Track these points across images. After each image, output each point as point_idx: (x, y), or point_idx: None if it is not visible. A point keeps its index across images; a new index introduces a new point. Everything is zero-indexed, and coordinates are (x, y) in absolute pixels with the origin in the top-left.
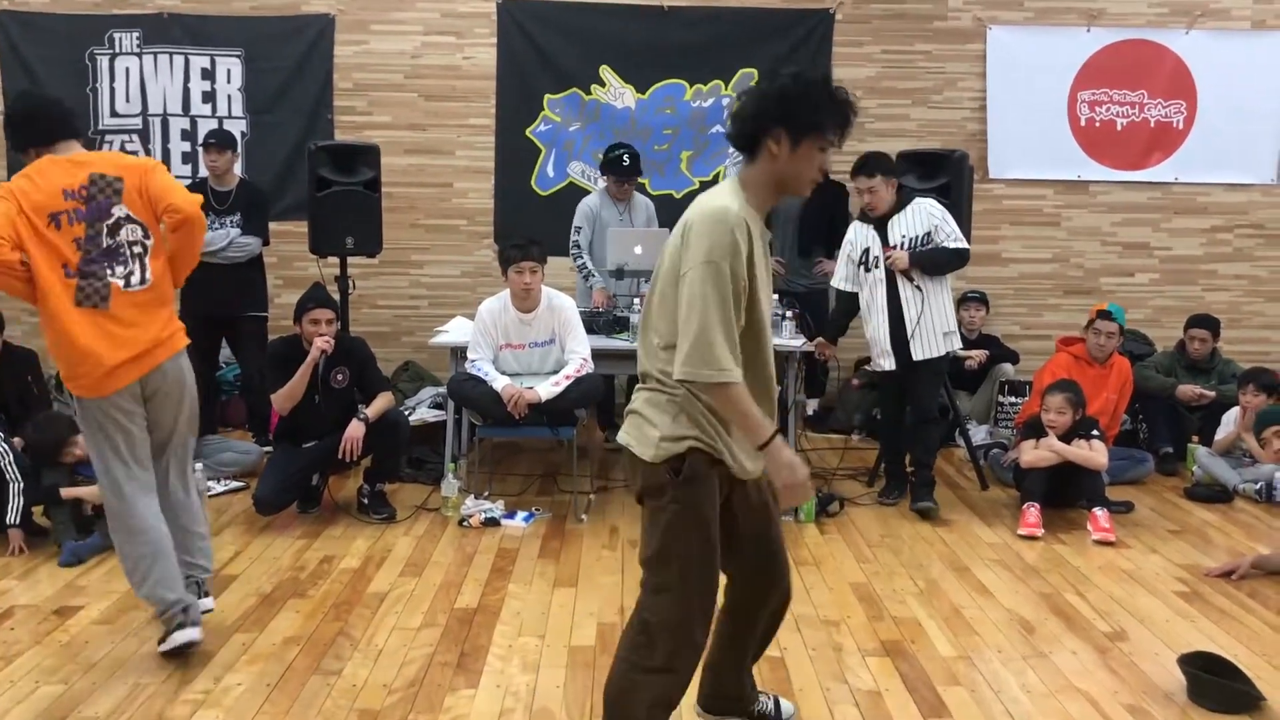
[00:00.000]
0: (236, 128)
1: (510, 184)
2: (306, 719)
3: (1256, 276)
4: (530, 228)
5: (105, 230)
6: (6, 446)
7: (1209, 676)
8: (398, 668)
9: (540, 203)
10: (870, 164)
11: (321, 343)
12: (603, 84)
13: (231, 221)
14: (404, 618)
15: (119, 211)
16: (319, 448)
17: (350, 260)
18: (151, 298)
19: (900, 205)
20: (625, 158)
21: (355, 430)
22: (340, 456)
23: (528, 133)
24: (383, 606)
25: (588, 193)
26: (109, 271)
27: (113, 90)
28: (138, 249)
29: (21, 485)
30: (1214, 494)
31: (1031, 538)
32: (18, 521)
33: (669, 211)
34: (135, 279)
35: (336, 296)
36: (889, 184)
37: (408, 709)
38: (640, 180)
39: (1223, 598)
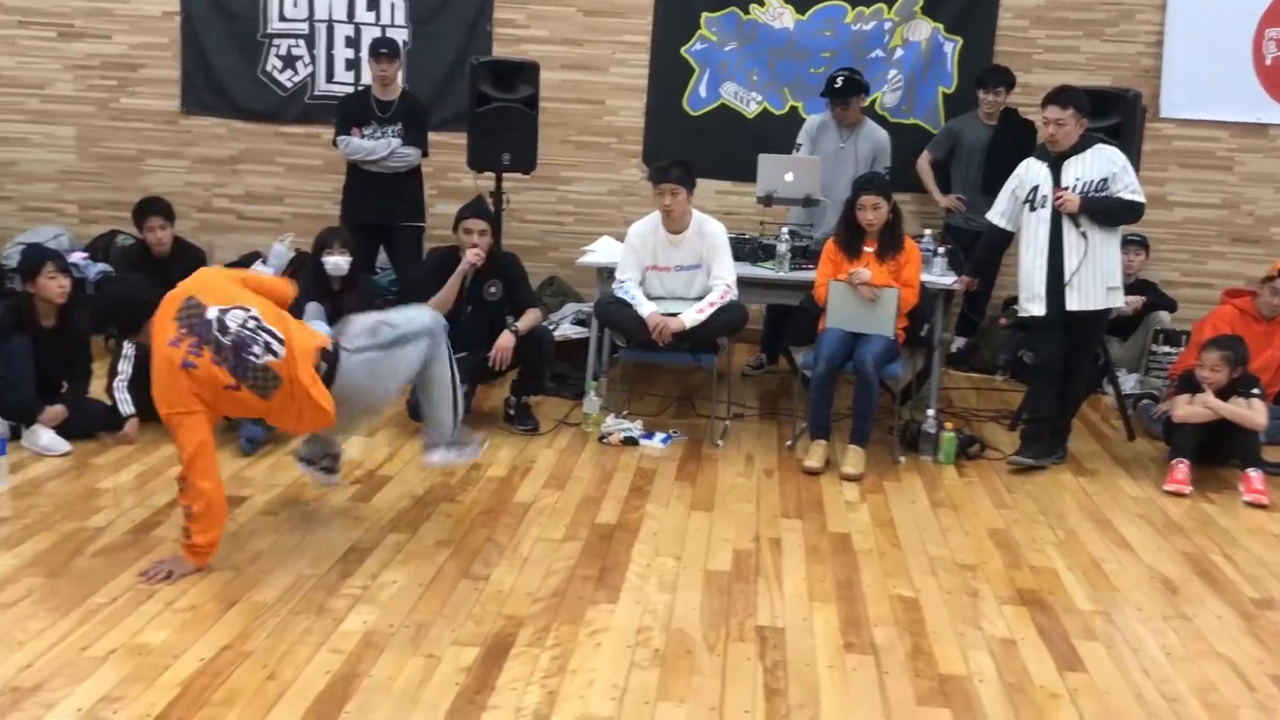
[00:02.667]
0: (399, 36)
1: (661, 103)
2: (456, 620)
3: None
4: (679, 148)
5: (218, 330)
6: None
7: None
8: (542, 577)
9: (690, 123)
10: (1064, 95)
11: (472, 255)
12: (761, 3)
13: (393, 131)
14: (547, 529)
15: (212, 313)
16: (469, 359)
17: (504, 175)
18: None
19: (1079, 148)
20: (838, 79)
21: (506, 340)
22: (490, 366)
23: (683, 51)
24: (527, 517)
25: (740, 115)
26: (252, 358)
27: None
28: (250, 324)
29: None
30: None
31: (1178, 494)
32: None
33: None
34: (271, 348)
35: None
36: (1079, 121)
37: (551, 618)
38: (863, 102)
39: None
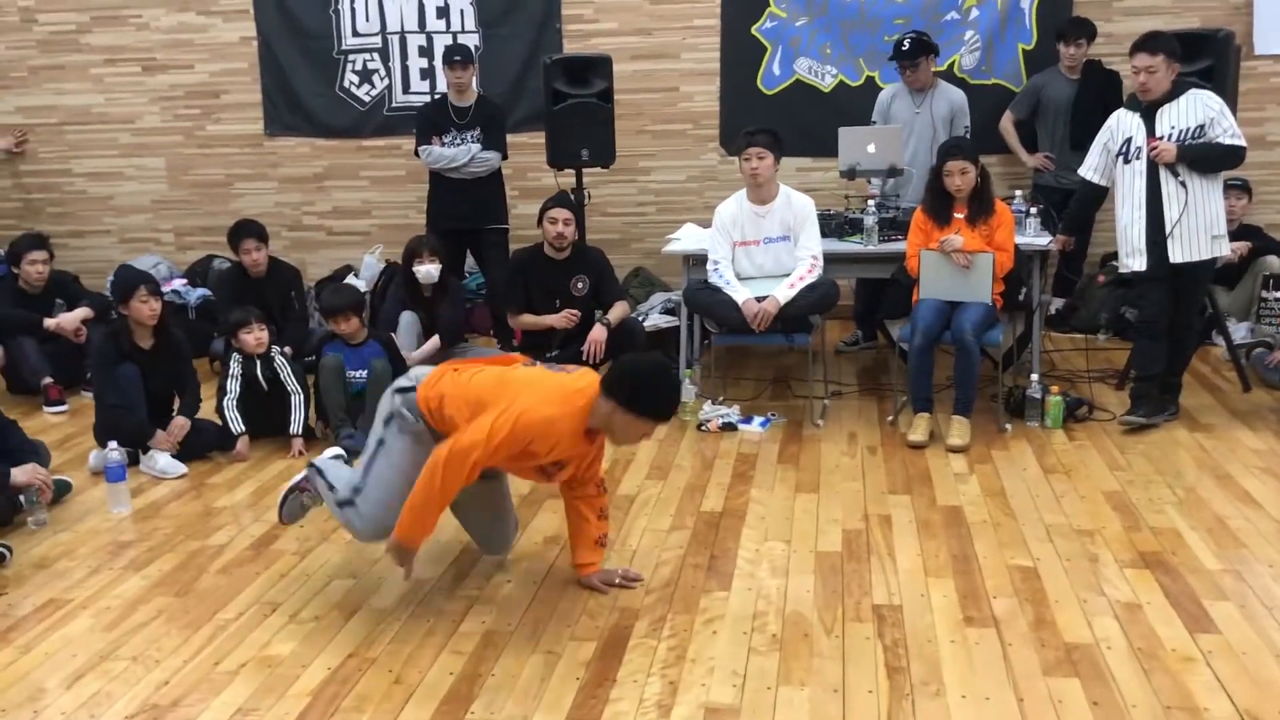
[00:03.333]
0: (470, 41)
1: (736, 84)
2: (573, 616)
3: None
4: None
5: None
6: (284, 359)
7: None
8: (653, 568)
9: (766, 102)
10: (1154, 41)
11: (567, 319)
12: None
13: (472, 137)
14: (654, 519)
15: None
16: (564, 354)
17: (584, 170)
18: None
19: (1172, 95)
20: (905, 41)
21: (599, 333)
22: (584, 360)
23: (753, 30)
24: (632, 508)
25: (815, 90)
26: None
27: (354, 10)
28: None
29: (302, 397)
30: None
31: None
32: (299, 431)
33: None
34: None
35: None
36: (1170, 67)
37: (666, 608)
38: (933, 63)
39: None
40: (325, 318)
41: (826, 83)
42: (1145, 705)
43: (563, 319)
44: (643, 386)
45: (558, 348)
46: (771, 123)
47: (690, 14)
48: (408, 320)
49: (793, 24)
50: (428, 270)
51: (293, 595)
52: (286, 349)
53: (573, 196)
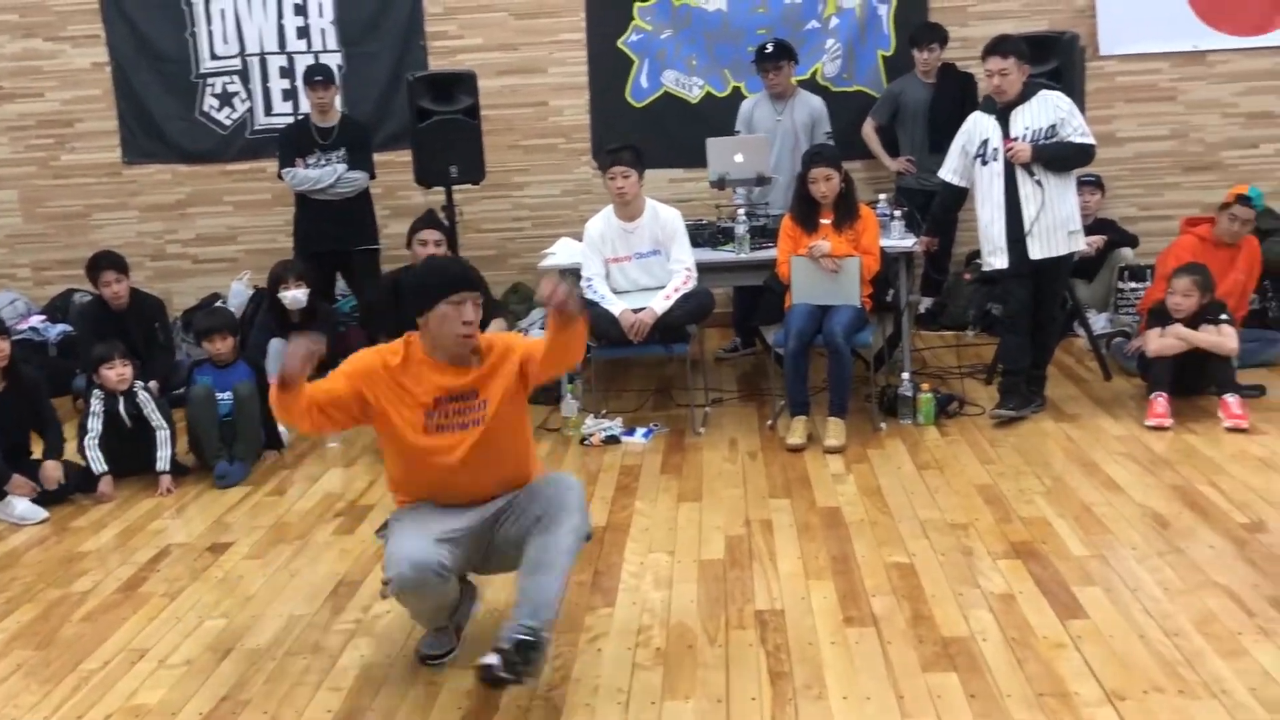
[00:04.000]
0: (332, 61)
1: (605, 98)
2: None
3: None
4: (627, 140)
5: None
6: (148, 395)
7: None
8: None
9: (636, 114)
10: (1005, 44)
11: None
12: None
13: (337, 157)
14: None
15: None
16: None
17: (455, 187)
18: None
19: (1025, 96)
20: (768, 45)
21: None
22: None
23: (619, 43)
24: None
25: (683, 101)
26: None
27: (210, 33)
28: None
29: (168, 432)
30: None
31: (1160, 428)
32: (167, 468)
33: None
34: None
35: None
36: (1022, 69)
37: (551, 631)
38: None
39: None
40: (199, 340)
41: (694, 94)
42: (1019, 694)
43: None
44: (406, 292)
45: None
46: (641, 135)
47: (556, 28)
48: (277, 347)
49: (658, 37)
50: (294, 296)
51: (162, 639)
52: (152, 384)
53: (443, 214)
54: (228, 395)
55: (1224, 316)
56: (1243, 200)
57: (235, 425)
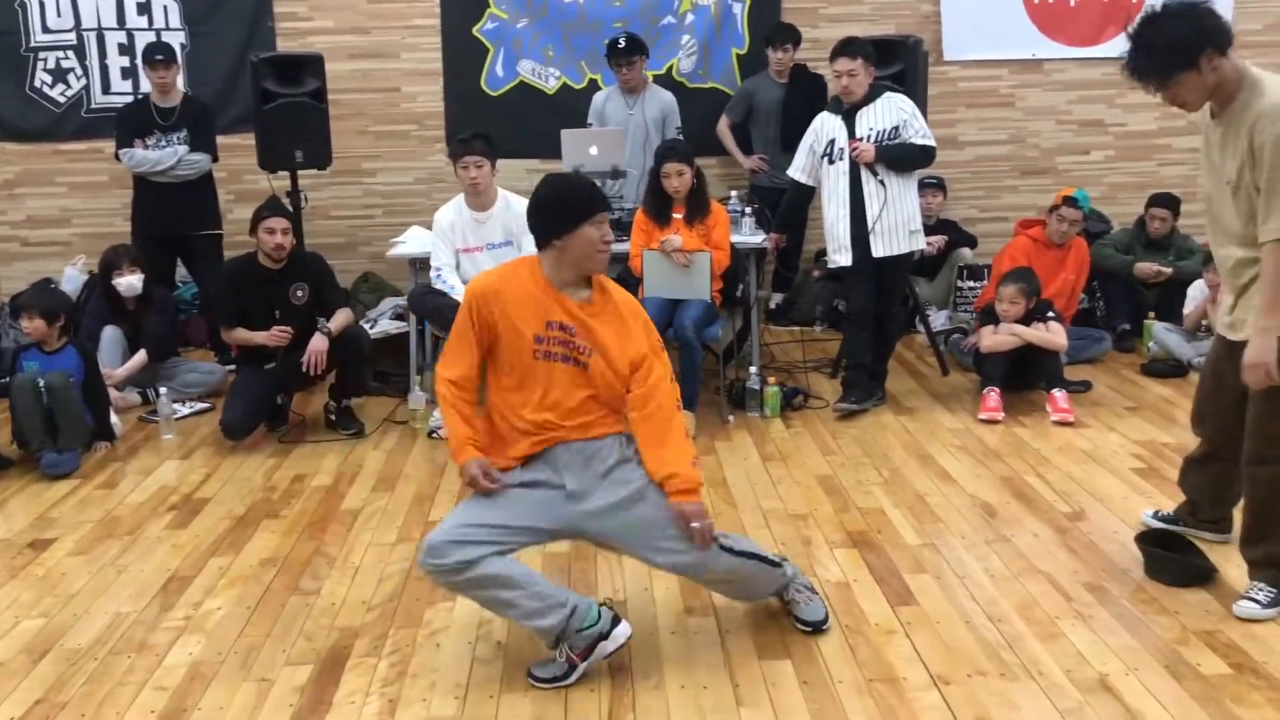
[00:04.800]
0: (175, 39)
1: (459, 85)
2: (288, 639)
3: None
4: (482, 129)
5: None
6: None
7: (1165, 553)
8: (375, 584)
9: (491, 103)
10: (853, 46)
11: (277, 338)
12: None
13: (178, 139)
14: (379, 534)
15: None
16: (283, 366)
17: (301, 172)
18: None
19: (870, 98)
20: (621, 40)
21: (319, 343)
22: (304, 370)
23: (474, 31)
24: (357, 523)
25: (539, 92)
26: None
27: (43, 4)
28: None
29: None
30: (1170, 369)
31: (992, 422)
32: None
33: None
34: None
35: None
36: (869, 70)
37: (388, 624)
38: (646, 64)
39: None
40: (15, 318)
41: (550, 85)
42: (850, 680)
43: (272, 337)
44: (546, 210)
45: (278, 361)
46: (497, 124)
47: (409, 13)
48: (110, 335)
49: (514, 25)
50: (130, 282)
51: None
52: None
53: (288, 200)
54: None
55: (1051, 314)
56: (1069, 202)
57: (56, 416)
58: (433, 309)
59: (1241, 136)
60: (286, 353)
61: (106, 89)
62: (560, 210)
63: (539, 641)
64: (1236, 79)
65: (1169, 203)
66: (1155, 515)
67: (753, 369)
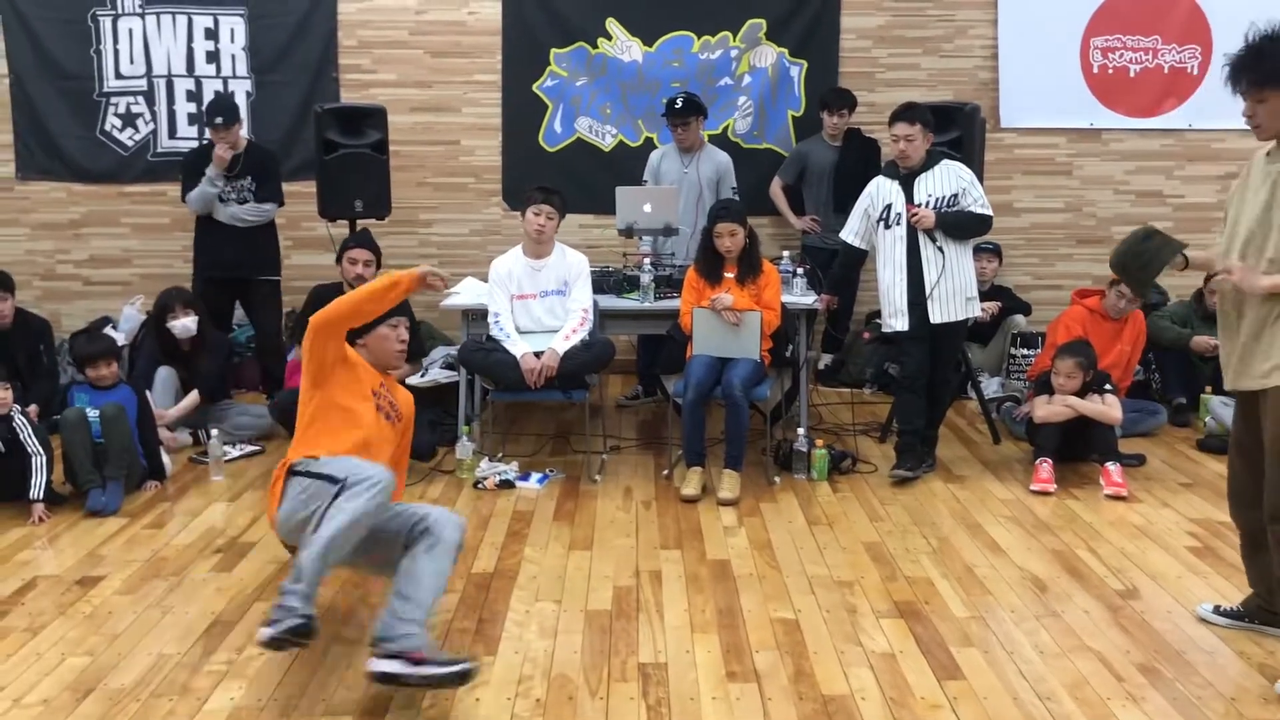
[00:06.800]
0: (241, 88)
1: (517, 141)
2: (328, 688)
3: None
4: (539, 184)
5: None
6: (24, 419)
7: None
8: None
9: (548, 159)
10: (912, 112)
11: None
12: (609, 37)
13: (245, 186)
14: None
15: None
16: None
17: (360, 221)
18: None
19: (928, 164)
20: (678, 100)
21: None
22: None
23: (534, 88)
24: None
25: (596, 148)
26: None
27: (116, 52)
28: None
29: (44, 459)
30: (1226, 445)
31: (1044, 493)
32: (41, 495)
33: None
34: None
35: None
36: (927, 137)
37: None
38: (703, 124)
39: (1234, 551)
40: (79, 366)
41: (607, 142)
42: None
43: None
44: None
45: None
46: (553, 179)
47: (471, 69)
48: (163, 376)
49: (573, 83)
50: (184, 325)
51: (19, 677)
52: (31, 408)
53: None
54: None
55: (1108, 387)
56: None
57: (107, 444)
58: (482, 365)
59: None
60: None
61: (173, 134)
62: None
63: (579, 699)
64: None
65: None
66: (1217, 610)
67: (801, 430)
